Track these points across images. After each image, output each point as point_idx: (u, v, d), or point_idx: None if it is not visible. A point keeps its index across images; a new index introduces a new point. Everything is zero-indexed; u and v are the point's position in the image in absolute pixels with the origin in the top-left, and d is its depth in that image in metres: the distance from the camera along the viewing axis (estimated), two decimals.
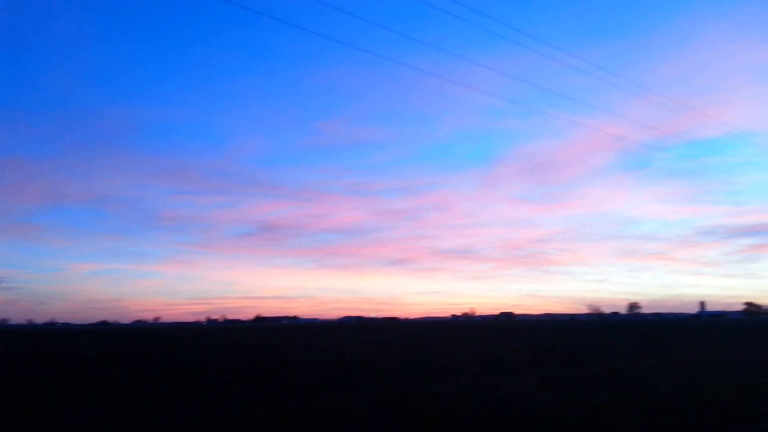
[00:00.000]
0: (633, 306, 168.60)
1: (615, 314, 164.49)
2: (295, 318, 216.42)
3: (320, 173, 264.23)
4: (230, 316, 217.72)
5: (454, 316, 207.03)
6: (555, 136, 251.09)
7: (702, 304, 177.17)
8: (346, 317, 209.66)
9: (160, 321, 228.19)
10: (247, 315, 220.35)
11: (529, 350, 23.42)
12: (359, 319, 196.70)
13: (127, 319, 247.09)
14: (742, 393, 10.83)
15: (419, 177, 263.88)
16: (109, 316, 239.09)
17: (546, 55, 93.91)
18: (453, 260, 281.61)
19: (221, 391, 11.43)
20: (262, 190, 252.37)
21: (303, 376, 14.03)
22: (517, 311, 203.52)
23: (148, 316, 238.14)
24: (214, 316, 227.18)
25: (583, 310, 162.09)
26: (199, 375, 14.94)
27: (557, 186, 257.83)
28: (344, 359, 20.01)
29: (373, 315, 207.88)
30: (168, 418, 8.47)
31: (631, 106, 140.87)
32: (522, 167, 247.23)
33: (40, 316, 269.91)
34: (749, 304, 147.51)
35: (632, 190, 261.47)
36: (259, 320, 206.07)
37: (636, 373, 13.98)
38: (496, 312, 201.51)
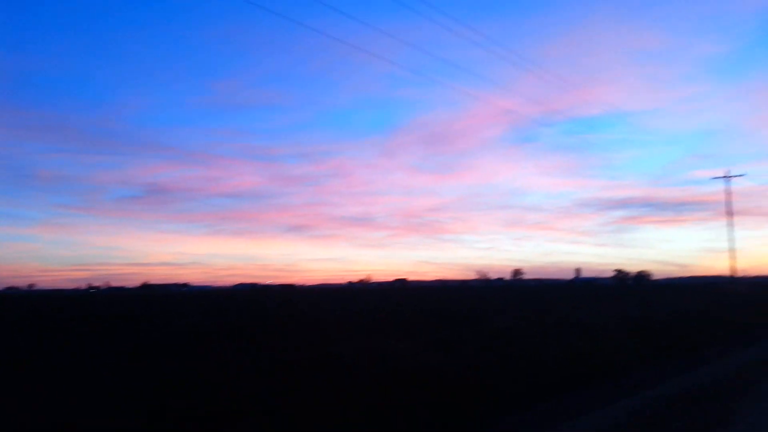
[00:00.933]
0: (517, 272, 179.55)
1: (500, 280, 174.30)
2: (185, 285, 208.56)
3: (214, 135, 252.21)
4: (114, 284, 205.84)
5: (351, 283, 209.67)
6: (451, 107, 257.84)
7: (578, 270, 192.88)
8: (239, 284, 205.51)
9: (35, 288, 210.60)
10: (133, 282, 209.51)
11: (422, 314, 24.32)
12: (254, 286, 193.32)
13: None
14: (610, 348, 11.99)
15: (319, 143, 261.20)
16: None
17: (445, 27, 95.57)
18: (351, 228, 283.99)
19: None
20: (150, 150, 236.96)
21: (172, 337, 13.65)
22: (411, 278, 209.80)
23: (22, 282, 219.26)
24: (96, 283, 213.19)
25: (472, 276, 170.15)
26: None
27: (452, 156, 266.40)
28: (240, 325, 19.68)
29: (269, 282, 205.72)
30: None
31: (522, 82, 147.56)
32: (420, 137, 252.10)
33: None
34: (618, 271, 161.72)
35: (520, 163, 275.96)
36: (146, 287, 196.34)
37: (518, 331, 15.00)
38: (391, 279, 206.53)
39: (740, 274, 61.82)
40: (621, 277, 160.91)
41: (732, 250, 47.71)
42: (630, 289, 74.11)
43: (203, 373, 9.10)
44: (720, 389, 9.13)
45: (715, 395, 8.62)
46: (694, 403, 8.08)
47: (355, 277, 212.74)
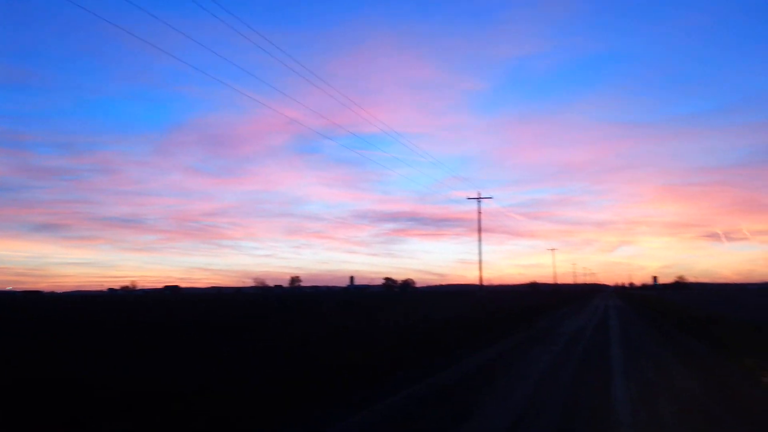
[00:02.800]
0: (294, 279, 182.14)
1: (278, 287, 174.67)
2: None
3: None
4: None
5: (112, 290, 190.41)
6: (235, 111, 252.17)
7: (351, 278, 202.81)
8: None
9: None
10: None
11: (194, 324, 22.94)
12: None
13: None
14: (376, 357, 12.56)
15: (80, 133, 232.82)
16: None
17: (235, 29, 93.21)
18: (115, 229, 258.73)
19: None
20: None
21: None
22: (183, 284, 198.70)
23: None
24: None
25: (249, 283, 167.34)
26: None
27: (234, 161, 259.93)
28: None
29: (9, 288, 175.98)
30: None
31: (307, 94, 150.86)
32: (200, 137, 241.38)
33: None
34: (387, 279, 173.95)
35: (302, 172, 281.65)
36: None
37: (292, 340, 14.95)
38: (161, 285, 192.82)
39: (486, 282, 70.90)
40: (389, 284, 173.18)
41: (480, 262, 54.51)
42: (397, 296, 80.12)
43: None
44: (467, 385, 10.18)
45: (462, 391, 9.57)
46: (445, 399, 8.87)
47: (117, 284, 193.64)
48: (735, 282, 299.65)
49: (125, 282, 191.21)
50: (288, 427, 7.06)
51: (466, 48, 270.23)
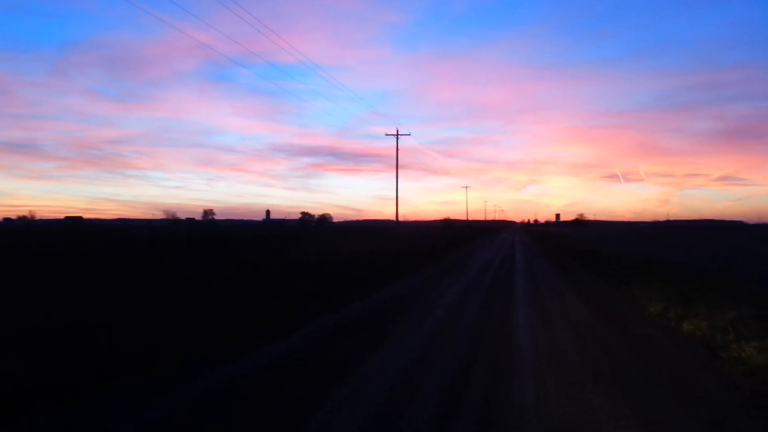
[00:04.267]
0: (207, 213, 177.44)
1: (191, 220, 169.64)
2: None
3: None
4: None
5: (8, 219, 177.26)
6: (140, 31, 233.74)
7: (268, 212, 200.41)
8: None
9: None
10: None
11: (97, 256, 21.93)
12: None
13: None
14: (292, 290, 12.67)
15: None
16: None
17: None
18: (8, 155, 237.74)
19: None
20: None
21: None
22: (87, 215, 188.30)
23: None
24: None
25: (159, 215, 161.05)
26: None
27: (139, 85, 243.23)
28: None
29: None
30: None
31: (220, 17, 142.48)
32: (100, 58, 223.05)
33: None
34: (304, 214, 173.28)
35: (214, 101, 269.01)
36: None
37: (204, 276, 14.72)
38: (61, 216, 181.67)
39: (402, 218, 72.28)
40: (306, 219, 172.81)
41: (397, 198, 55.40)
42: (314, 231, 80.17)
43: None
44: (381, 315, 10.57)
45: (376, 321, 9.94)
46: (360, 327, 9.19)
47: (13, 213, 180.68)
48: (629, 220, 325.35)
49: (22, 212, 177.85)
50: (204, 362, 7.08)
51: None
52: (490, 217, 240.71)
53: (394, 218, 56.43)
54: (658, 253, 29.94)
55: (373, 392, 5.67)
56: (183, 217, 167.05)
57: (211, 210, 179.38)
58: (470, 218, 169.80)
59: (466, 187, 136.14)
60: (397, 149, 53.46)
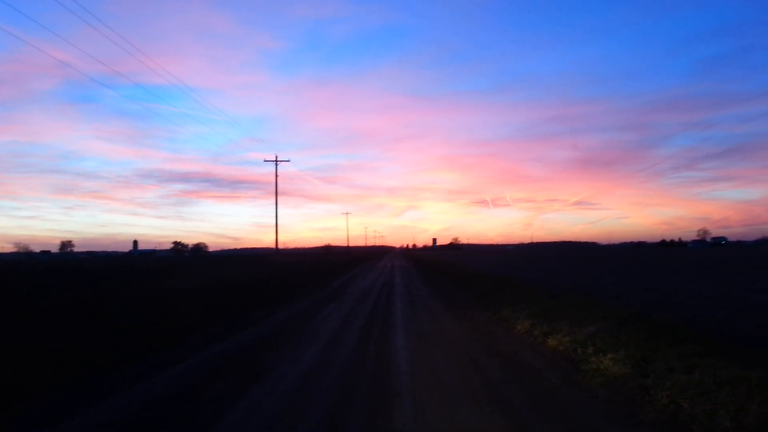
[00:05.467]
0: (66, 244, 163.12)
1: (46, 253, 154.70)
2: None
3: None
4: None
5: None
6: None
7: (135, 242, 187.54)
8: None
9: None
10: None
11: None
12: None
13: None
14: (164, 323, 12.02)
15: None
16: None
17: None
18: None
19: None
20: None
21: None
22: None
23: None
24: None
25: (9, 248, 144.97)
26: None
27: None
28: None
29: None
30: None
31: (82, 34, 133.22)
32: None
33: None
34: (177, 243, 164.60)
35: (75, 123, 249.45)
36: None
37: (63, 308, 13.52)
38: None
39: (282, 246, 71.19)
40: (179, 249, 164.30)
41: (277, 225, 54.57)
42: (188, 261, 76.42)
43: None
44: (261, 346, 10.32)
45: (256, 352, 9.70)
46: (238, 360, 8.92)
47: None
48: (497, 243, 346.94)
49: None
50: (60, 403, 6.48)
51: (261, 3, 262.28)
52: (370, 242, 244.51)
53: (273, 246, 55.44)
54: (524, 273, 32.12)
55: (259, 419, 5.53)
56: (37, 249, 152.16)
57: (70, 241, 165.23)
58: (351, 244, 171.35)
59: (347, 214, 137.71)
60: (276, 175, 52.95)
